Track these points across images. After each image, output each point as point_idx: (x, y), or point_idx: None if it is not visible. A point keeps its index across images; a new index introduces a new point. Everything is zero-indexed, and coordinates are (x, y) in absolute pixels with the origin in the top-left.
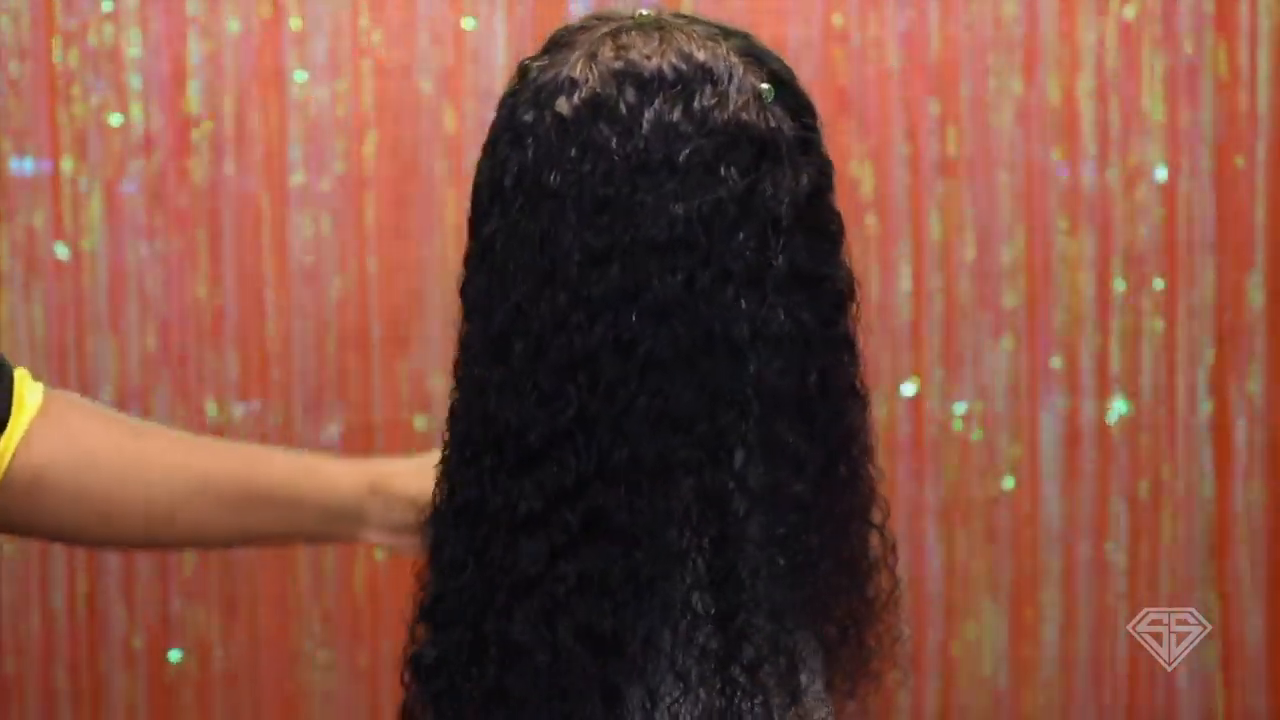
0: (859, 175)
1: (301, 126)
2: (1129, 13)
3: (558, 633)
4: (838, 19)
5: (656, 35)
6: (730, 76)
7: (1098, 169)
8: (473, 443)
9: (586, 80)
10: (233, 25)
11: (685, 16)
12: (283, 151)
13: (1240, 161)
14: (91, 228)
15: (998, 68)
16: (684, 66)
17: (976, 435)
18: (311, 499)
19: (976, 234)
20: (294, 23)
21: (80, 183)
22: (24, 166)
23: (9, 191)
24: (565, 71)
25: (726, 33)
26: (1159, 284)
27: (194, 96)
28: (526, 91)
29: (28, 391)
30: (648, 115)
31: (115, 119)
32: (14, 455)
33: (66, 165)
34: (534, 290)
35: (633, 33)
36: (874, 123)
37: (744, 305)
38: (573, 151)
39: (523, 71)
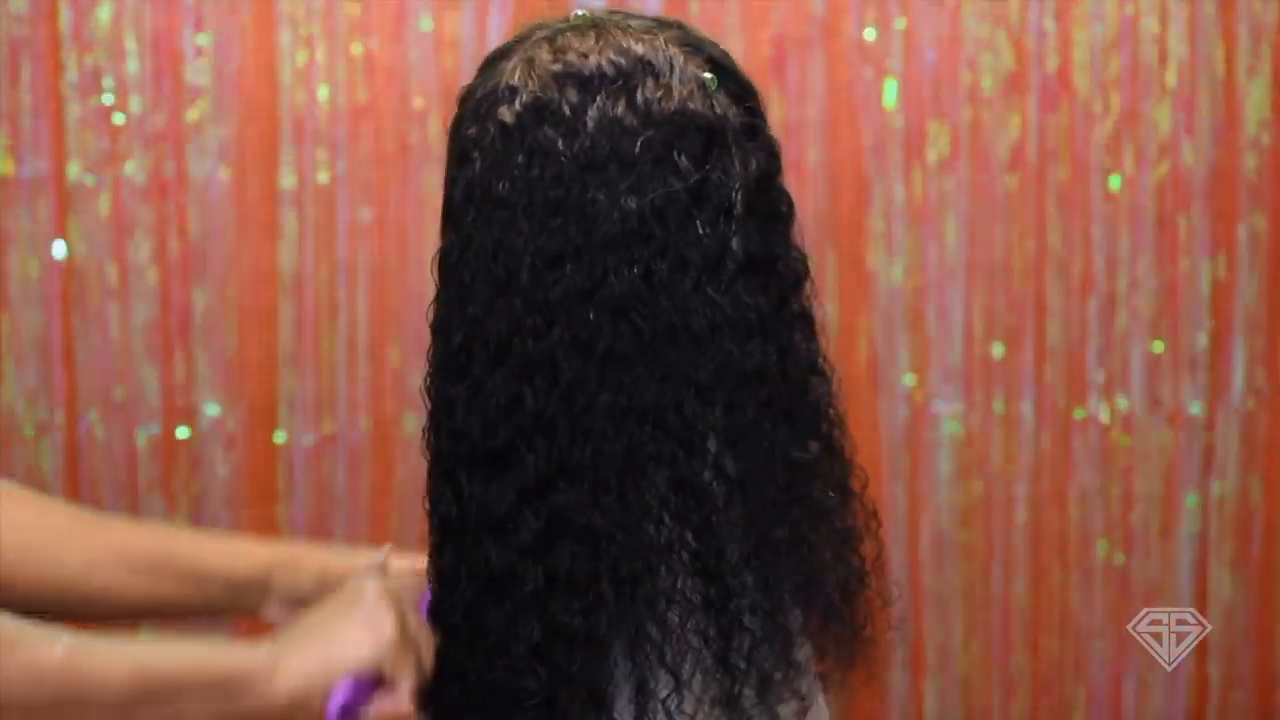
0: (868, 174)
1: (298, 128)
2: (1129, 11)
3: (532, 633)
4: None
5: (593, 34)
6: (672, 67)
7: (1096, 169)
8: (446, 458)
9: (526, 85)
10: (231, 27)
11: (621, 12)
12: (279, 152)
13: (1237, 162)
14: (91, 227)
15: (997, 69)
16: (623, 61)
17: (974, 434)
18: (219, 569)
19: (975, 233)
20: (290, 25)
21: (80, 182)
22: (24, 166)
23: (9, 191)
24: (504, 80)
25: (663, 24)
26: (1157, 284)
27: (193, 97)
28: (467, 110)
29: None
30: (591, 113)
31: (118, 118)
32: None
33: (68, 164)
34: (490, 301)
35: (568, 34)
36: (872, 121)
37: (703, 293)
38: (520, 158)
39: (461, 97)
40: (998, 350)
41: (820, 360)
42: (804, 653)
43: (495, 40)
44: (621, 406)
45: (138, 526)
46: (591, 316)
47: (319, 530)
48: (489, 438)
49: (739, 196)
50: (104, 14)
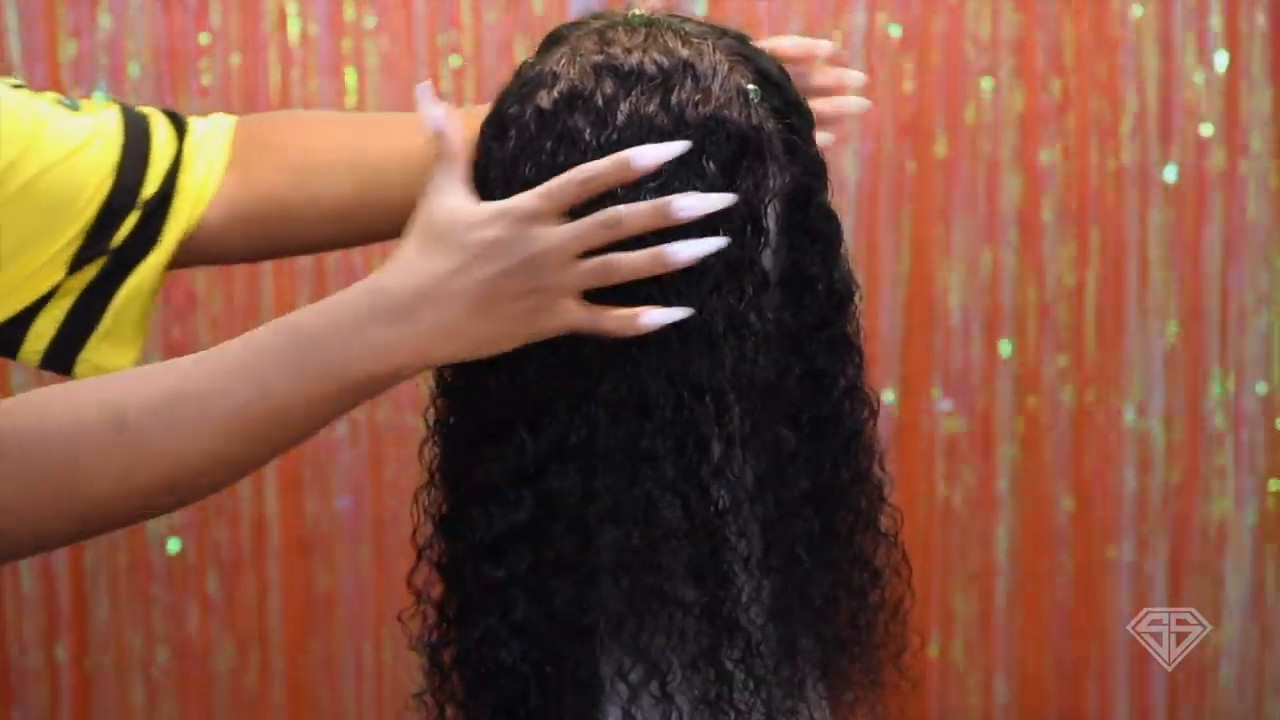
0: (847, 173)
1: None
2: (1136, 12)
3: (516, 609)
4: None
5: (643, 31)
6: (714, 73)
7: (1099, 166)
8: (454, 425)
9: (567, 73)
10: (235, 27)
11: (679, 16)
12: None
13: (1243, 162)
14: None
15: (993, 66)
16: (665, 61)
17: (976, 433)
18: None
19: (973, 233)
20: (294, 24)
21: None
22: None
23: None
24: (550, 65)
25: (720, 32)
26: (1163, 284)
27: (195, 97)
28: (514, 87)
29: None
30: (623, 107)
31: None
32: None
33: None
34: None
35: (620, 29)
36: (864, 120)
37: (723, 300)
38: (549, 144)
39: (517, 71)
40: (1006, 346)
41: (859, 386)
42: (811, 664)
43: (505, 41)
44: (621, 398)
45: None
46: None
47: (328, 531)
48: (493, 412)
49: (771, 211)
50: (104, 12)
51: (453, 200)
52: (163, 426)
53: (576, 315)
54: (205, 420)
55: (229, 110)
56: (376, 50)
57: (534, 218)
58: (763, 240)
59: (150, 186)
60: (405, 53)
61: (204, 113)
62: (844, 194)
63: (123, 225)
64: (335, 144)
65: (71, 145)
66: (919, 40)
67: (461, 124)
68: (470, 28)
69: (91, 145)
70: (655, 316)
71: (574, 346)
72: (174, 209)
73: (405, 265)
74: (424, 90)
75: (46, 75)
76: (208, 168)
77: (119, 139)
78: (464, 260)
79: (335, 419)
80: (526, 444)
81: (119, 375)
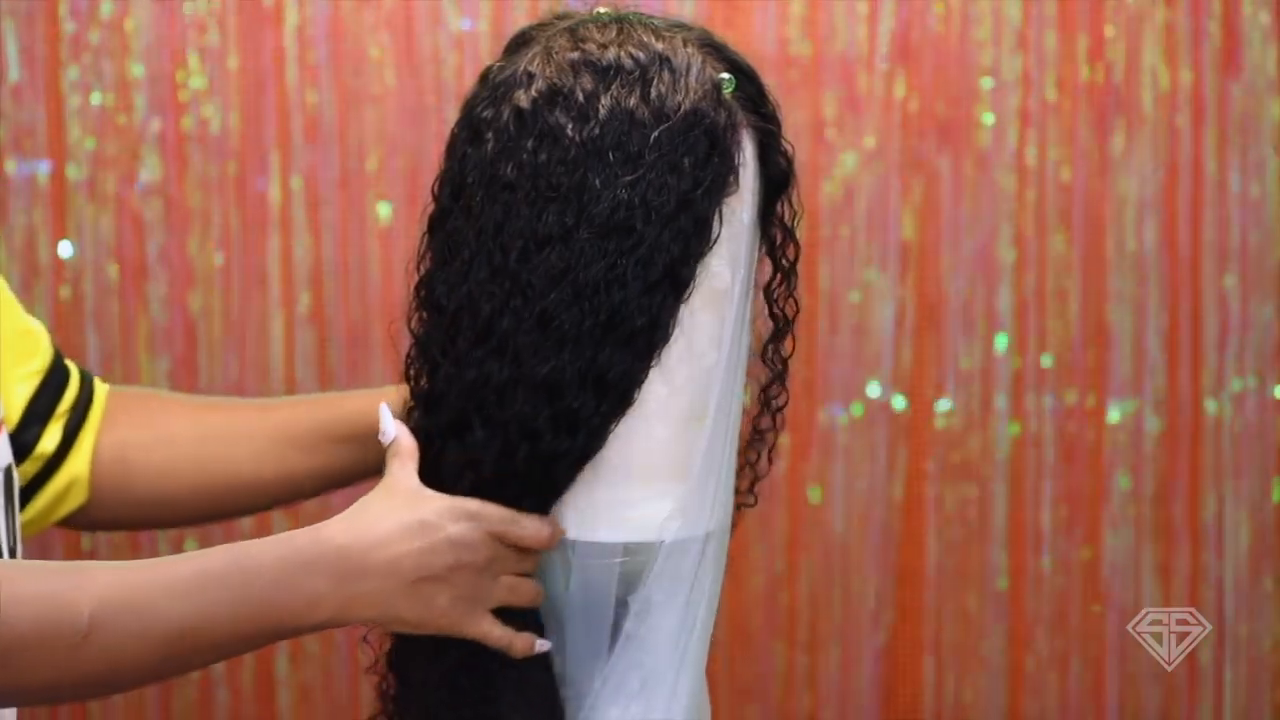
0: (847, 172)
1: (304, 127)
2: (1132, 5)
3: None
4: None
5: (614, 27)
6: (689, 66)
7: (1097, 167)
8: (426, 431)
9: (543, 72)
10: (235, 26)
11: (643, 14)
12: (285, 152)
13: (1235, 168)
14: (94, 227)
15: (993, 65)
16: (641, 55)
17: (975, 431)
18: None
19: (974, 233)
20: (293, 20)
21: (83, 182)
22: (26, 166)
23: (11, 191)
24: (523, 66)
25: (686, 27)
26: (1157, 283)
27: (197, 97)
28: (485, 91)
29: (98, 387)
30: (604, 101)
31: (120, 119)
32: (96, 444)
33: (70, 165)
34: (486, 280)
35: (590, 26)
36: (859, 118)
37: (656, 295)
38: (529, 142)
39: (483, 75)
40: (1003, 344)
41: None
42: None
43: (502, 42)
44: (553, 384)
45: (293, 404)
46: (554, 296)
47: None
48: (461, 414)
49: (722, 205)
50: (106, 11)
51: (417, 486)
52: (116, 633)
53: (493, 630)
54: (145, 637)
55: (230, 109)
56: (371, 53)
57: (500, 536)
58: (702, 245)
59: (65, 403)
60: (404, 54)
61: (203, 115)
62: (842, 192)
63: (46, 434)
64: (183, 418)
65: (29, 326)
66: (918, 39)
67: (408, 433)
68: (465, 31)
69: (40, 339)
70: (543, 645)
71: (530, 339)
72: (83, 432)
73: (360, 526)
74: (384, 410)
75: (48, 73)
76: (97, 412)
77: (50, 350)
78: (422, 544)
79: (260, 648)
80: (492, 447)
81: (72, 576)
